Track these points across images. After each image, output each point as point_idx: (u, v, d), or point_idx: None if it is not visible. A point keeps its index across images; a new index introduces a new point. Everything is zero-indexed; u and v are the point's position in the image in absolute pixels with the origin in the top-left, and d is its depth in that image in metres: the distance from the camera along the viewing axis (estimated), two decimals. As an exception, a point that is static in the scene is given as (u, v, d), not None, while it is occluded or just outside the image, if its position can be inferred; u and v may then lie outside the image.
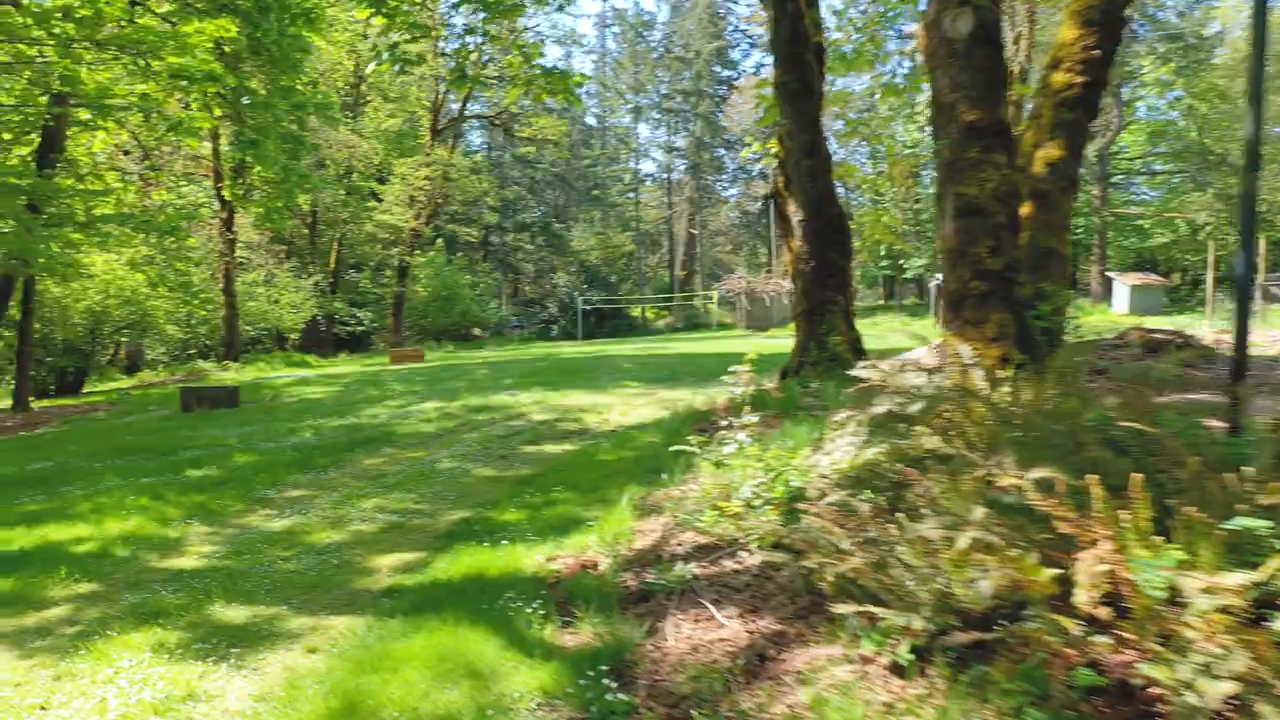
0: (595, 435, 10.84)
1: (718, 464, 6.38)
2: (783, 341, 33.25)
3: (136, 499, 8.71)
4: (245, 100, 23.53)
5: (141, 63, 16.72)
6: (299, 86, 24.17)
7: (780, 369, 11.90)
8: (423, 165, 36.07)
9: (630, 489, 7.18)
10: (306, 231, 43.73)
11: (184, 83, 15.77)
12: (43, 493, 9.66)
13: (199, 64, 16.24)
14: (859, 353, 11.19)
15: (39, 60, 15.40)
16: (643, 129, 68.42)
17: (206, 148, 31.04)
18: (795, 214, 11.43)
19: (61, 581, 6.26)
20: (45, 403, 26.31)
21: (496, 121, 38.23)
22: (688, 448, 6.97)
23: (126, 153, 32.49)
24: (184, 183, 33.14)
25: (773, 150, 13.19)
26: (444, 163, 35.26)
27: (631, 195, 67.34)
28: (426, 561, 6.23)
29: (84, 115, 25.66)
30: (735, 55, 66.73)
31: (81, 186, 23.31)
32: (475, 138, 64.17)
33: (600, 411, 12.57)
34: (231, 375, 29.48)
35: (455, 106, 39.25)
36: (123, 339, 30.50)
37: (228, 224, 31.82)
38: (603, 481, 7.97)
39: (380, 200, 37.71)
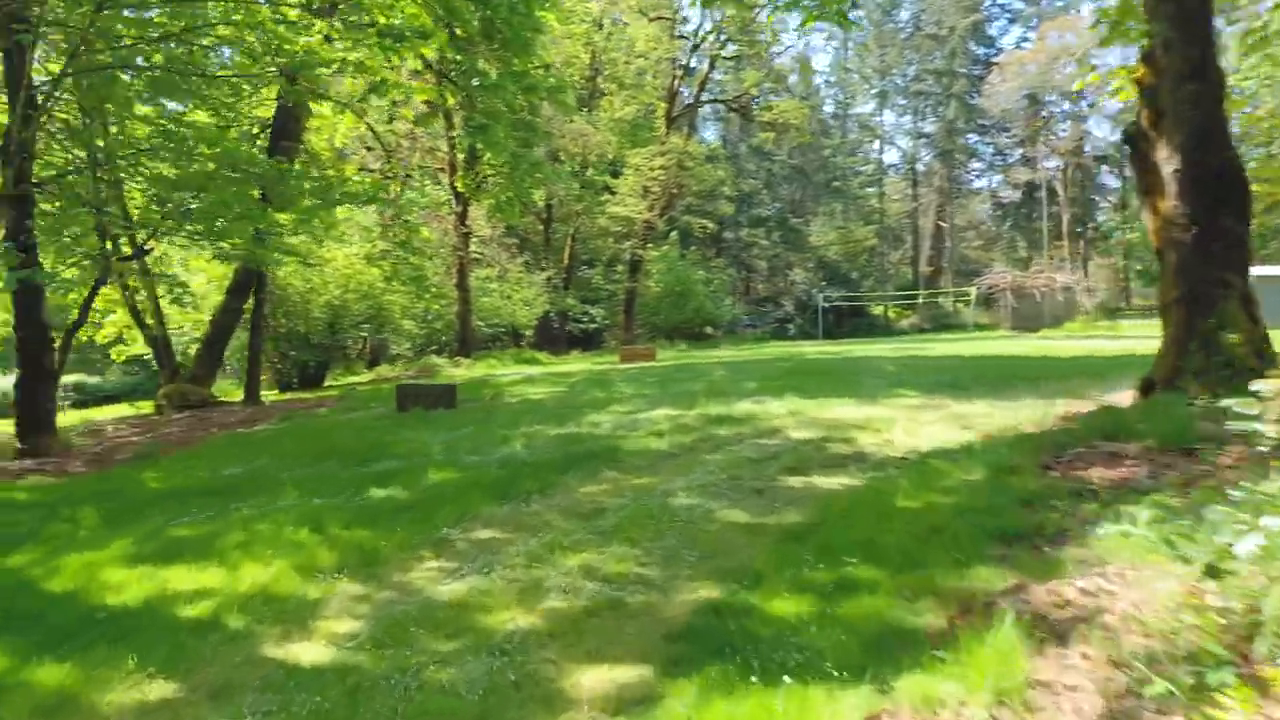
0: (879, 463, 8.05)
1: (1169, 544, 3.50)
2: (1073, 344, 29.03)
3: (295, 530, 6.83)
4: (475, 82, 22.41)
5: (354, 19, 15.48)
6: (530, 70, 22.81)
7: (1141, 380, 8.60)
8: (657, 155, 34.33)
9: (979, 573, 4.41)
10: (541, 227, 43.24)
11: (392, 41, 14.25)
12: (210, 510, 8.07)
13: (409, 19, 14.75)
14: (1267, 356, 7.76)
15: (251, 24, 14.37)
16: (887, 116, 64.10)
17: (440, 146, 30.65)
18: (1168, 161, 8.11)
19: (127, 677, 4.27)
20: (280, 395, 26.49)
21: (734, 106, 35.93)
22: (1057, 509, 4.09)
23: (369, 148, 32.77)
24: (425, 180, 33.07)
25: (1114, 85, 9.86)
26: (679, 150, 33.37)
27: (874, 187, 63.16)
28: (652, 695, 3.75)
29: (322, 107, 25.58)
30: (993, 31, 61.13)
31: (313, 175, 22.90)
32: (710, 132, 62.30)
33: (876, 429, 9.72)
34: (462, 372, 28.77)
35: (689, 94, 37.25)
36: (361, 334, 30.52)
37: (461, 218, 31.27)
38: (918, 548, 5.20)
39: (614, 193, 36.35)
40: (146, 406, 22.56)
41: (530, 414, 13.60)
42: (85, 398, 37.45)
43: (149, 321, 21.84)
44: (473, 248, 34.38)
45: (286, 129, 22.76)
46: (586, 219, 37.40)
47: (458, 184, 28.10)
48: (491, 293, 36.28)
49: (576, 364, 29.22)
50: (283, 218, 17.77)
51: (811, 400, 12.15)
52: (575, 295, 45.53)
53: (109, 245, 17.54)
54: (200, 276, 24.75)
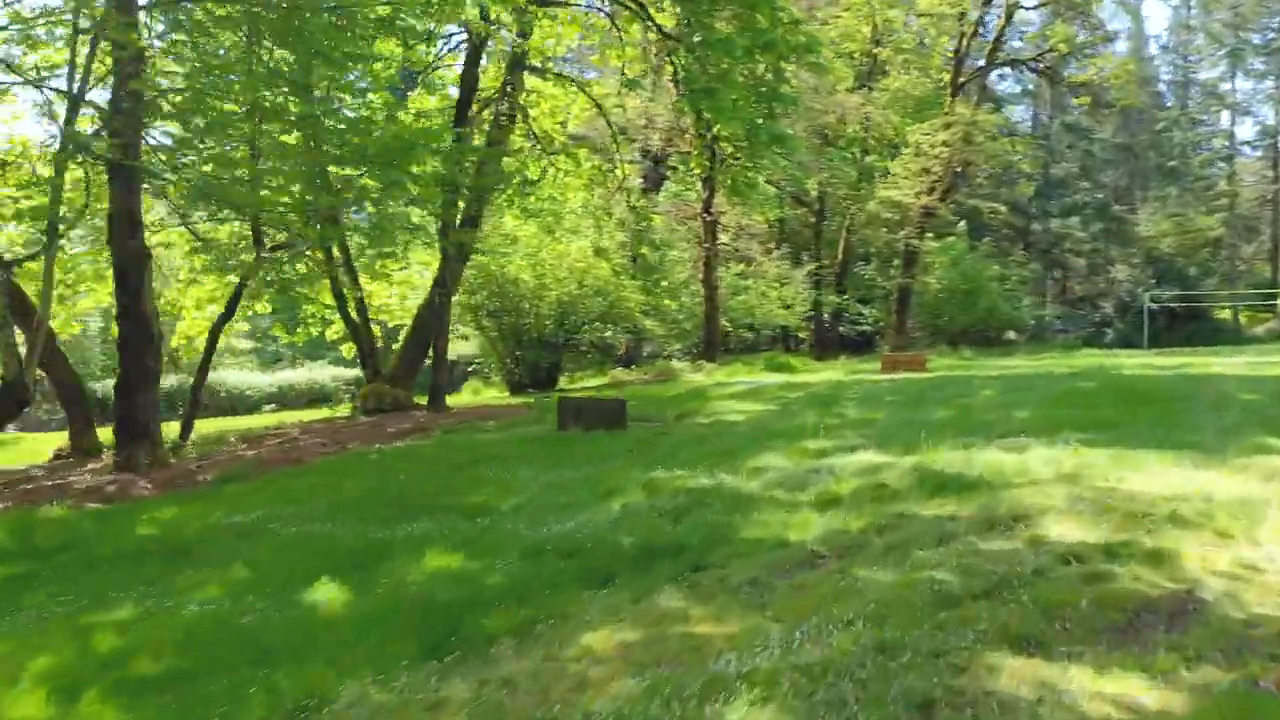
0: (1227, 634, 3.64)
1: None
2: None
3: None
4: (697, 38, 19.05)
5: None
6: (769, 23, 19.14)
7: None
8: (939, 129, 29.21)
9: None
10: (813, 219, 39.07)
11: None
12: (91, 595, 5.24)
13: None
14: None
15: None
16: (1240, 82, 53.16)
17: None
18: None
19: None
20: (497, 397, 24.56)
21: (1038, 67, 29.86)
22: None
23: (624, 133, 30.40)
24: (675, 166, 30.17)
25: None
26: (965, 122, 28.14)
27: (1221, 167, 52.67)
28: None
29: (547, 83, 23.29)
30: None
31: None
32: (1019, 113, 54.79)
33: (1220, 525, 5.10)
34: (700, 378, 25.56)
35: (980, 58, 31.48)
36: (597, 332, 28.10)
37: (706, 206, 28.02)
38: None
39: (886, 174, 31.53)
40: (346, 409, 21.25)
41: (694, 447, 10.05)
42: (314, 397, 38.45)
43: (353, 316, 20.47)
44: (725, 240, 31.06)
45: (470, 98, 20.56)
46: (856, 207, 32.86)
47: (692, 163, 24.82)
48: (748, 290, 32.75)
49: (830, 372, 25.01)
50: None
51: (1106, 450, 7.55)
52: (853, 293, 41.04)
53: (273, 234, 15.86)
54: (416, 267, 23.21)
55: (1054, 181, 50.84)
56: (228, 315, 15.36)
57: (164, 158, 10.70)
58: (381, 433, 14.78)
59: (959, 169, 29.13)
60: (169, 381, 40.67)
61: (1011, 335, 45.63)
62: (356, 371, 47.00)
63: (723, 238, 30.62)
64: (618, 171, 23.63)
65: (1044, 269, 54.64)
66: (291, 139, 15.57)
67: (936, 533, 5.29)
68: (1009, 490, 6.22)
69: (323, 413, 20.95)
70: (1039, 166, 45.20)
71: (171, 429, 16.27)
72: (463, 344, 29.71)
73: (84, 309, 21.25)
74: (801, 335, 43.12)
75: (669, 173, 31.54)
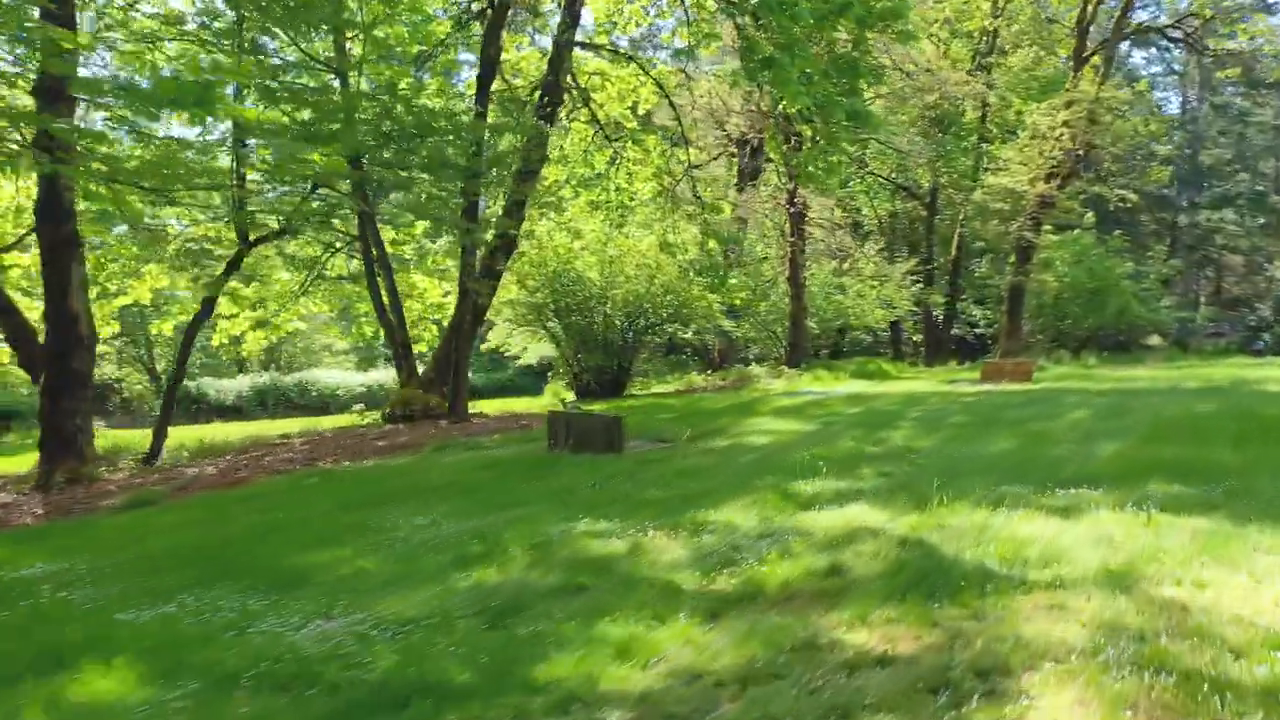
0: None
1: None
2: None
3: None
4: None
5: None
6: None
7: None
8: (1059, 108, 25.84)
9: None
10: (924, 212, 35.96)
11: None
12: None
13: None
14: None
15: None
16: None
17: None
18: None
19: None
20: (544, 403, 22.75)
21: (1177, 34, 26.05)
22: None
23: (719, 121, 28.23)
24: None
25: None
26: (1088, 100, 24.72)
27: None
28: None
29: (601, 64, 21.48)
30: None
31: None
32: (1161, 95, 49.80)
33: None
34: (776, 385, 23.24)
35: (1107, 28, 27.76)
36: (670, 334, 26.07)
37: (790, 197, 25.56)
38: None
39: (998, 161, 28.24)
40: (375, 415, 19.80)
41: (668, 484, 8.10)
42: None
43: (391, 317, 19.06)
44: (818, 235, 28.51)
45: (549, 88, 18.76)
46: (962, 197, 29.74)
47: (768, 148, 22.47)
48: (848, 290, 30.04)
49: (921, 380, 22.27)
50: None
51: (1197, 521, 5.11)
52: (971, 293, 37.67)
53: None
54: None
55: (1202, 170, 45.86)
56: (204, 315, 14.06)
57: (89, 142, 9.42)
58: (373, 447, 13.19)
59: (1082, 152, 25.74)
60: (234, 383, 40.64)
61: (1155, 340, 41.20)
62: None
63: (815, 232, 28.09)
64: (681, 158, 21.50)
65: (1192, 267, 49.57)
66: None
67: (838, 701, 3.08)
68: (1008, 600, 3.93)
69: (348, 419, 19.55)
70: (1181, 150, 40.55)
71: (188, 434, 15.16)
72: (542, 345, 28.14)
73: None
74: (915, 338, 40.03)
75: (766, 163, 29.21)
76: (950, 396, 15.80)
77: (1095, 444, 8.46)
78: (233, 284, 20.11)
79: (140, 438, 14.02)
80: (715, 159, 33.51)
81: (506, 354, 30.30)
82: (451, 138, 14.11)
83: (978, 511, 5.68)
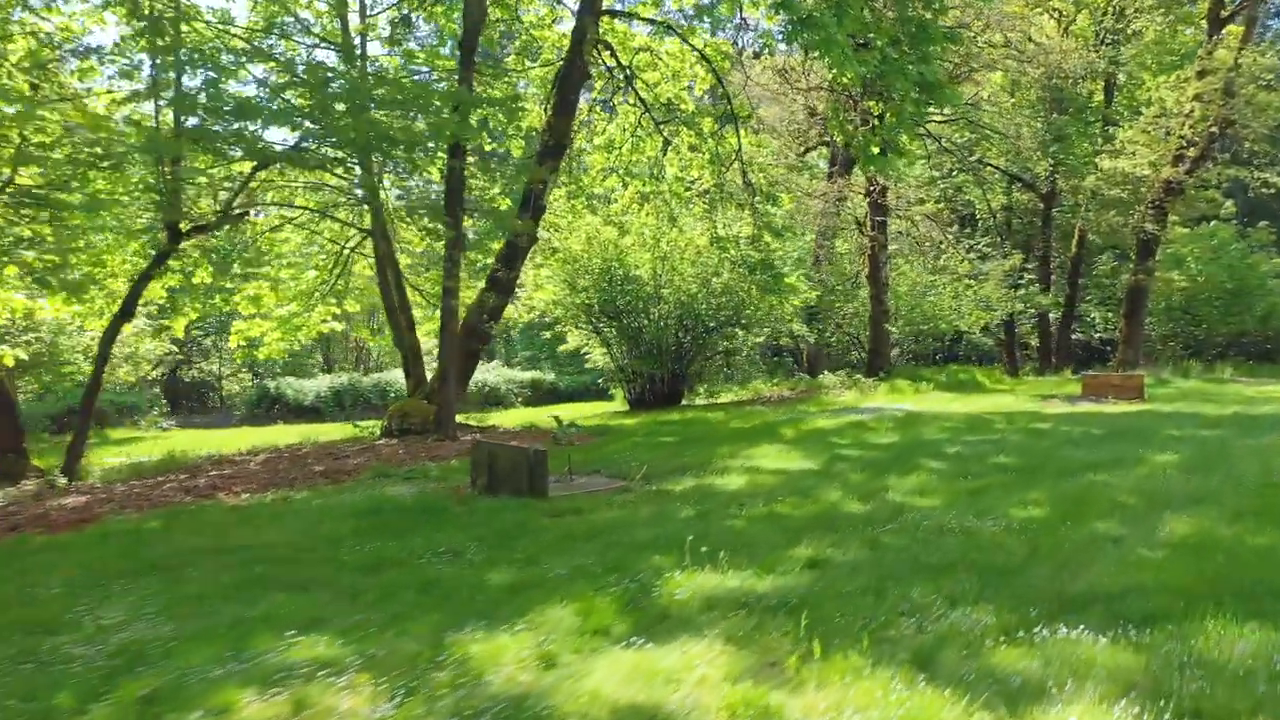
0: None
1: None
2: None
3: None
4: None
5: None
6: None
7: None
8: (1189, 79, 22.14)
9: None
10: (1041, 205, 32.28)
11: None
12: None
13: None
14: None
15: None
16: None
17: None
18: None
19: None
20: (591, 411, 20.64)
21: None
22: None
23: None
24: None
25: None
26: (1227, 67, 21.01)
27: None
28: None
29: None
30: None
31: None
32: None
33: None
34: (849, 396, 20.67)
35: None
36: (731, 338, 23.67)
37: (871, 186, 22.76)
38: None
39: (1116, 144, 24.52)
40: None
41: (540, 559, 5.85)
42: (485, 401, 35.98)
43: (400, 318, 17.40)
44: (898, 228, 25.56)
45: (572, 67, 16.73)
46: (1070, 185, 26.20)
47: (831, 128, 19.81)
48: (938, 289, 26.96)
49: (1011, 396, 19.24)
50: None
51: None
52: (1096, 293, 33.82)
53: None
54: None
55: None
56: (124, 315, 12.57)
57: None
58: (316, 471, 11.42)
59: (1216, 130, 22.00)
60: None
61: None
62: (536, 374, 44.96)
63: (904, 225, 25.16)
64: (734, 142, 19.07)
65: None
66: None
67: None
68: None
69: (354, 431, 17.82)
70: None
71: (208, 439, 13.77)
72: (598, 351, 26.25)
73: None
74: (1031, 343, 36.32)
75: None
76: (1023, 420, 13.00)
77: (1160, 519, 5.84)
78: (254, 286, 18.98)
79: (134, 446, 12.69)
80: (810, 149, 30.95)
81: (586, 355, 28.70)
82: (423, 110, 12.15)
83: (856, 685, 3.31)
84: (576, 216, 21.95)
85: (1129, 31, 31.13)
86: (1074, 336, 34.13)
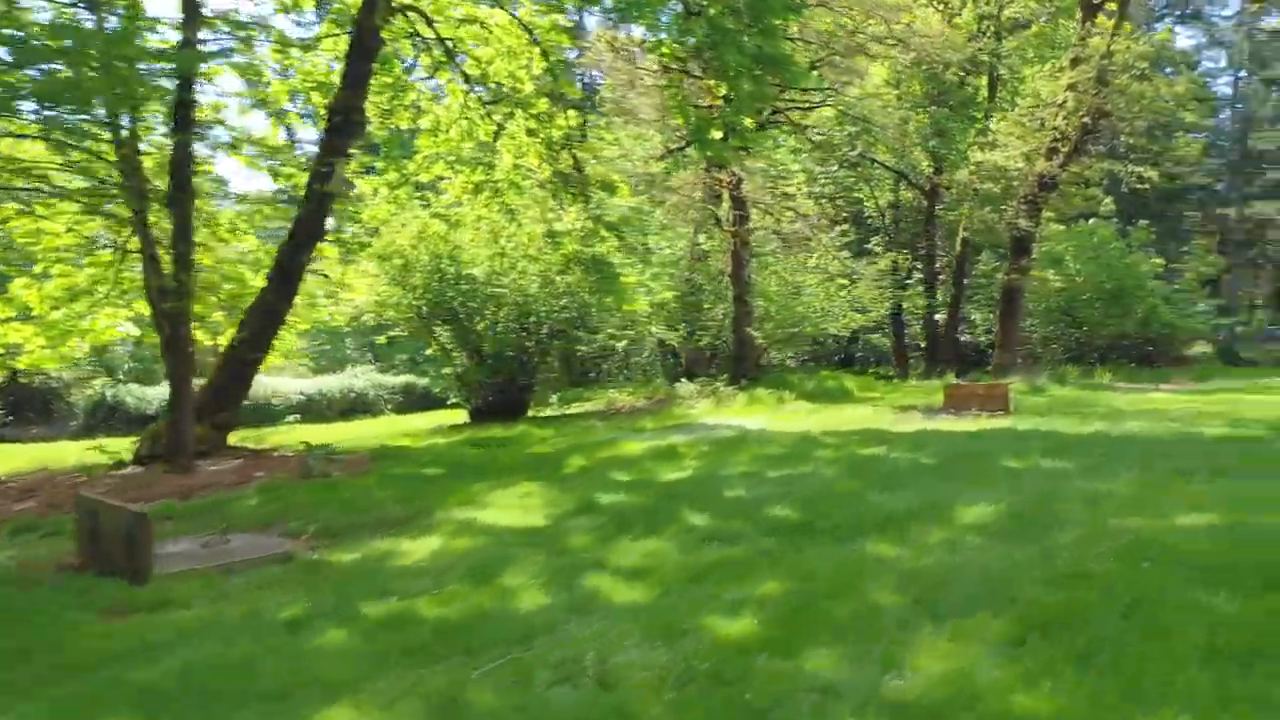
0: None
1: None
2: None
3: None
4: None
5: None
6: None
7: None
8: (1063, 69, 20.85)
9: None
10: (925, 202, 30.92)
11: None
12: None
13: None
14: None
15: None
16: None
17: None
18: None
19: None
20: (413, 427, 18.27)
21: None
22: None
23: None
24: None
25: None
26: (1100, 55, 19.75)
27: None
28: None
29: None
30: None
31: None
32: (1206, 71, 44.06)
33: None
34: (702, 408, 18.77)
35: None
36: (577, 344, 21.59)
37: (731, 179, 20.86)
38: None
39: (987, 133, 23.11)
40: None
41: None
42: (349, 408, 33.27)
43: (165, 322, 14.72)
44: (772, 225, 23.76)
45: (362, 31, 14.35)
46: (942, 180, 24.83)
47: (667, 108, 17.86)
48: (813, 291, 25.26)
49: (872, 407, 17.56)
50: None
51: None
52: (980, 294, 32.67)
53: None
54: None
55: (1253, 155, 40.31)
56: None
57: None
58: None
59: (1090, 121, 20.72)
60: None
61: (1200, 348, 35.74)
62: (410, 378, 41.99)
63: (768, 221, 23.34)
64: (563, 124, 16.96)
65: (1244, 266, 43.80)
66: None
67: None
68: None
69: (94, 458, 14.85)
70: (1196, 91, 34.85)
71: None
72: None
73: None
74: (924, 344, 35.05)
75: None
76: (857, 443, 11.15)
77: (910, 646, 3.86)
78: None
79: None
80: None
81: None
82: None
83: None
84: (401, 207, 19.60)
85: (1011, 23, 30.07)
86: (963, 338, 32.98)
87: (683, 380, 21.53)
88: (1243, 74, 41.39)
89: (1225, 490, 6.74)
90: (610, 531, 6.48)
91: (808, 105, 21.84)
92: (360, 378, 39.71)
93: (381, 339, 24.09)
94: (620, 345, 24.76)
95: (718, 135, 15.62)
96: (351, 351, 45.16)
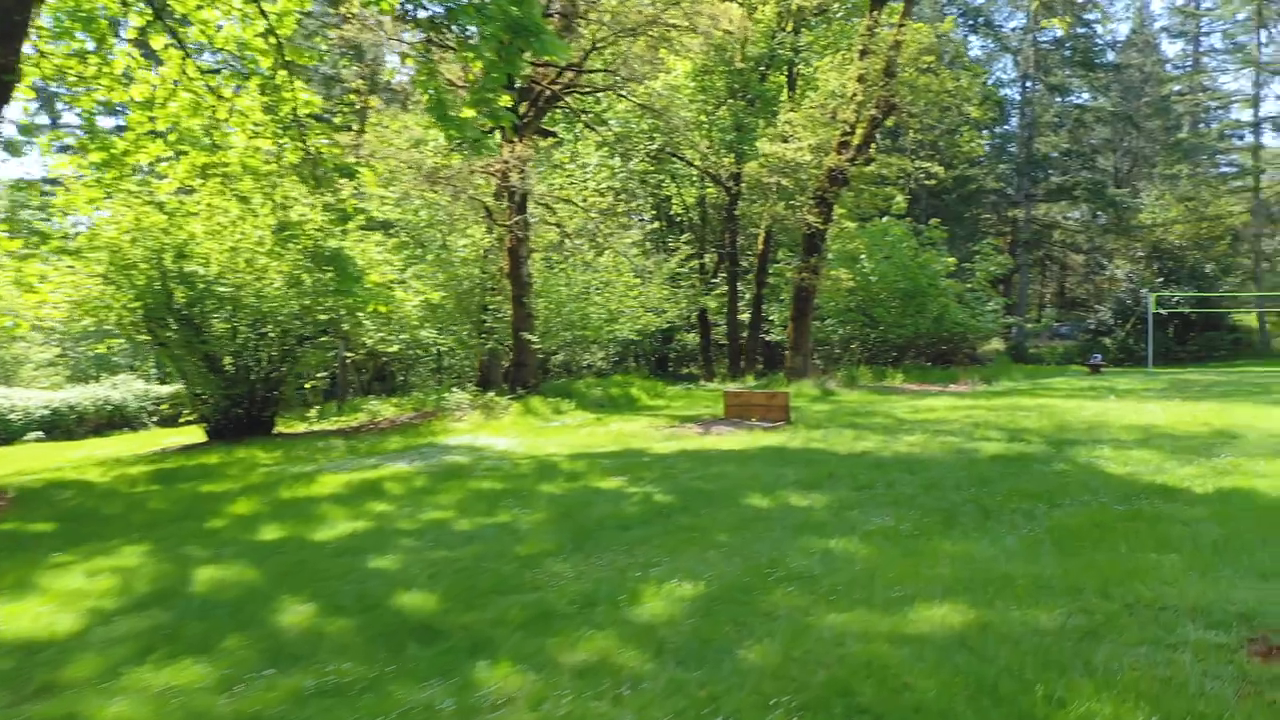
0: None
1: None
2: None
3: None
4: None
5: None
6: None
7: None
8: (850, 61, 20.09)
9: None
10: (729, 199, 29.84)
11: None
12: None
13: None
14: None
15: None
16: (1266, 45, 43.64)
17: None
18: None
19: None
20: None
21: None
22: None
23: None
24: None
25: None
26: (888, 46, 19.06)
27: (1240, 137, 43.26)
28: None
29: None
30: None
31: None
32: (998, 78, 45.53)
33: None
34: (468, 423, 16.72)
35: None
36: (319, 352, 19.14)
37: (501, 168, 18.90)
38: None
39: (773, 125, 22.11)
40: None
41: None
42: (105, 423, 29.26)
43: None
44: (558, 220, 21.92)
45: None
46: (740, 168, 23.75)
47: (416, 87, 15.72)
48: (602, 291, 23.62)
49: (650, 419, 15.99)
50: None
51: None
52: (783, 293, 31.93)
53: None
54: None
55: (1037, 159, 41.74)
56: None
57: None
58: None
59: (880, 114, 20.00)
60: None
61: (994, 344, 36.57)
62: (178, 387, 37.68)
63: (552, 218, 21.49)
64: (285, 97, 14.54)
65: (1033, 265, 45.55)
66: None
67: None
68: None
69: None
70: (980, 83, 35.70)
71: None
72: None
73: None
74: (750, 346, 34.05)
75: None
76: (596, 474, 9.41)
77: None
78: None
79: None
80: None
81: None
82: None
83: None
84: (110, 193, 16.59)
85: (806, 12, 29.51)
86: (769, 339, 32.28)
87: (453, 390, 19.38)
88: (1029, 83, 42.84)
89: (981, 557, 5.33)
90: (135, 650, 4.40)
91: (589, 89, 20.12)
92: (120, 388, 35.25)
93: (99, 347, 20.87)
94: (396, 350, 22.45)
95: (467, 113, 13.63)
96: (121, 359, 40.33)
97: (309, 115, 15.42)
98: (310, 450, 14.11)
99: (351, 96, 26.91)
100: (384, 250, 20.03)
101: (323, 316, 18.04)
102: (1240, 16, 39.93)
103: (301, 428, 19.64)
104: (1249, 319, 36.70)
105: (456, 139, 13.61)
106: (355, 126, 22.88)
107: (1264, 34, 39.31)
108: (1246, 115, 41.80)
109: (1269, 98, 42.41)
